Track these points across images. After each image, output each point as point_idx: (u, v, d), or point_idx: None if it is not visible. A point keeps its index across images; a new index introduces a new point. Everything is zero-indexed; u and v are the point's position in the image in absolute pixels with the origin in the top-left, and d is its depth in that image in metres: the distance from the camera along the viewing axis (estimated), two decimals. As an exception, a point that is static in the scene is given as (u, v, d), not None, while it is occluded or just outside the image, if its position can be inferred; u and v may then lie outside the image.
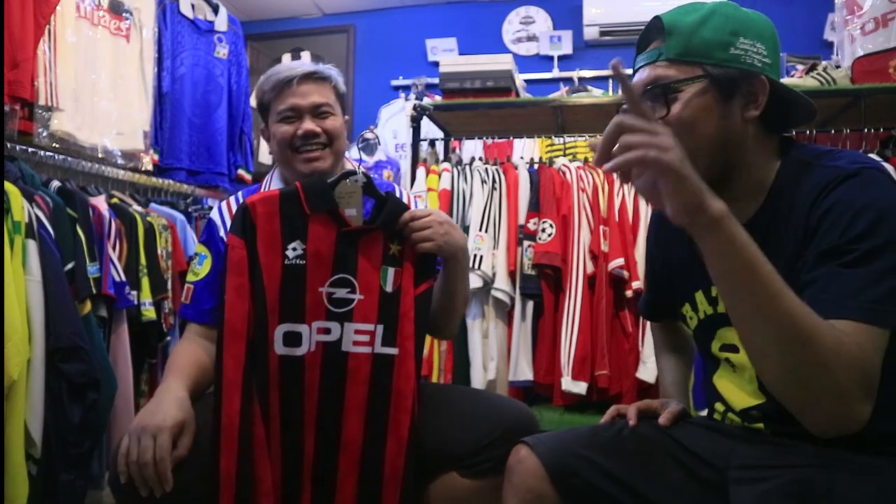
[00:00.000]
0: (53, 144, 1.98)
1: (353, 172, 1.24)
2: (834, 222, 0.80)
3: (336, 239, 1.22)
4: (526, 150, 3.34)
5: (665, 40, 0.89)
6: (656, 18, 0.92)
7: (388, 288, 1.23)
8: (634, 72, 0.95)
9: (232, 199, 1.40)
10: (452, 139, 3.01)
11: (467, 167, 2.55)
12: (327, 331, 1.21)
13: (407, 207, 1.26)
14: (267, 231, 1.18)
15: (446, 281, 1.31)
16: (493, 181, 2.48)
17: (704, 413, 1.12)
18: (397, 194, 1.47)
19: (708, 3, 0.92)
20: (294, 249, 1.19)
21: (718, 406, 1.02)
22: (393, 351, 1.22)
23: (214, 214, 1.36)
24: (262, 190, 1.38)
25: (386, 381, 1.21)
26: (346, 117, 1.42)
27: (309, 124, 1.32)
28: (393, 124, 4.03)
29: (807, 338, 0.72)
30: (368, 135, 3.75)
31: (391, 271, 1.24)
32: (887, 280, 0.75)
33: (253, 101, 2.00)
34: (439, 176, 2.54)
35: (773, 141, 0.94)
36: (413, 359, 1.22)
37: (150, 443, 1.05)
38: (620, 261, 2.27)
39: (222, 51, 2.72)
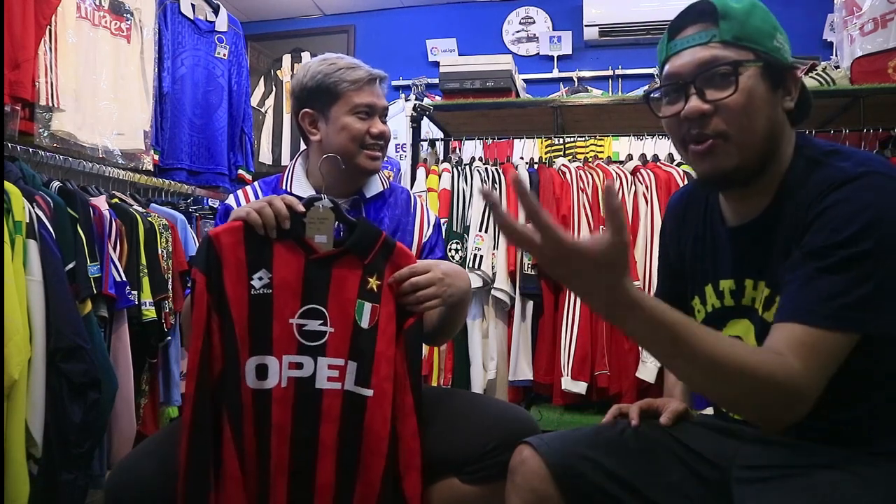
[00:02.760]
0: (54, 145, 1.98)
1: (319, 198, 1.20)
2: (824, 224, 0.81)
3: (304, 267, 1.16)
4: (526, 150, 3.34)
5: (718, 23, 0.88)
6: (706, 2, 0.90)
7: (364, 324, 1.17)
8: (669, 57, 0.93)
9: (249, 188, 1.40)
10: (452, 139, 3.02)
11: (467, 167, 2.56)
12: (299, 365, 1.16)
13: (379, 232, 1.20)
14: (232, 262, 1.13)
15: (448, 312, 1.28)
16: (493, 181, 2.49)
17: (705, 412, 1.12)
18: (412, 201, 1.44)
19: None
20: (260, 279, 1.14)
21: None
22: (367, 392, 1.16)
23: (231, 201, 1.37)
24: (283, 181, 1.37)
25: (357, 421, 1.16)
26: None
27: (381, 125, 1.34)
28: (393, 125, 3.99)
29: (737, 374, 0.75)
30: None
31: (367, 306, 1.17)
32: (858, 289, 0.77)
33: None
34: (439, 176, 2.55)
35: (793, 135, 0.94)
36: (391, 402, 1.15)
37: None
38: (620, 261, 2.28)
39: (223, 51, 2.73)
